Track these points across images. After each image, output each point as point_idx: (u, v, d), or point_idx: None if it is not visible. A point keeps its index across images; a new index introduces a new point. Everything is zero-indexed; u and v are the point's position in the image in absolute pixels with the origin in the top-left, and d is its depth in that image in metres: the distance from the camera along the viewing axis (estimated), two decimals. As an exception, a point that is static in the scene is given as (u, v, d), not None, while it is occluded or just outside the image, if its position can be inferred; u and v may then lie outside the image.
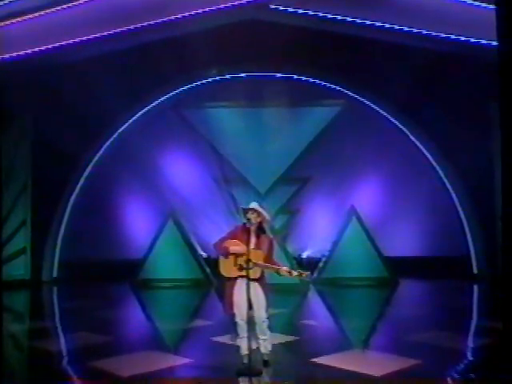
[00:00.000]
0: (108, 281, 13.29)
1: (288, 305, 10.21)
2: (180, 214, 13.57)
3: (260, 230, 5.81)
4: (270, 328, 5.95)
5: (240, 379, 5.56)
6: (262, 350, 5.93)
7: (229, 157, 14.83)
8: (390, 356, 6.47)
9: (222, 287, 5.88)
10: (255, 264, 5.59)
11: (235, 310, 5.74)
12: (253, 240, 5.75)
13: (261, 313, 5.78)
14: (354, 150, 13.96)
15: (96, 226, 13.52)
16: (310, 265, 13.52)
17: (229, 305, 5.76)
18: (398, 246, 13.85)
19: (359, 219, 13.09)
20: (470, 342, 7.23)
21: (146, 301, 11.66)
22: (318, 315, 9.51)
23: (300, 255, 14.49)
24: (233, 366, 5.85)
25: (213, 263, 12.71)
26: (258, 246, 5.74)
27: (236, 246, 5.68)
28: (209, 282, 13.02)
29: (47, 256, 14.12)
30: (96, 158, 14.46)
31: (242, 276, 5.65)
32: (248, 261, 5.57)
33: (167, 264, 13.04)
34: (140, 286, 12.93)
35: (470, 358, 6.41)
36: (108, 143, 14.52)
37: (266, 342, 5.92)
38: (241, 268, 5.63)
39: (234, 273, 5.72)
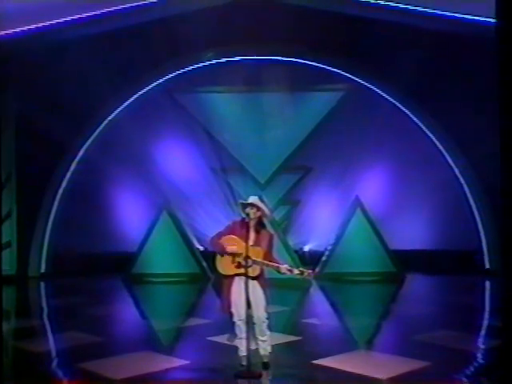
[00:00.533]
0: (99, 275, 13.43)
1: (289, 302, 10.22)
2: (175, 206, 13.62)
3: (260, 225, 5.82)
4: (270, 328, 5.97)
5: (238, 382, 5.59)
6: (262, 351, 5.94)
7: (226, 144, 14.88)
8: (397, 358, 6.47)
9: (220, 284, 5.92)
10: (254, 261, 5.61)
11: (233, 310, 5.77)
12: (252, 236, 5.76)
13: (260, 313, 5.79)
14: (359, 138, 13.92)
15: (86, 217, 13.45)
16: (312, 259, 13.80)
17: (226, 304, 5.79)
18: (405, 239, 13.86)
19: (364, 211, 13.08)
20: (482, 343, 7.22)
21: (140, 297, 11.68)
22: (321, 313, 9.53)
23: (301, 249, 14.58)
24: (231, 368, 5.87)
25: (210, 257, 13.19)
26: (257, 243, 5.75)
27: (233, 246, 5.69)
28: (205, 277, 13.06)
29: (34, 250, 14.13)
30: (85, 147, 14.43)
31: (239, 274, 5.68)
32: (247, 258, 5.59)
33: (161, 258, 13.08)
34: (133, 280, 12.95)
35: (482, 361, 6.39)
36: (98, 130, 14.49)
37: (266, 343, 5.94)
38: (239, 266, 5.65)
39: (232, 270, 5.73)
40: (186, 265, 13.19)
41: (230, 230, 5.81)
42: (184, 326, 8.52)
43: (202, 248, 14.10)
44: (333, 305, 10.71)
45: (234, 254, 5.65)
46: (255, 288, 5.74)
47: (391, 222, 13.66)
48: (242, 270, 5.63)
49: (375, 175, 14.19)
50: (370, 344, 7.43)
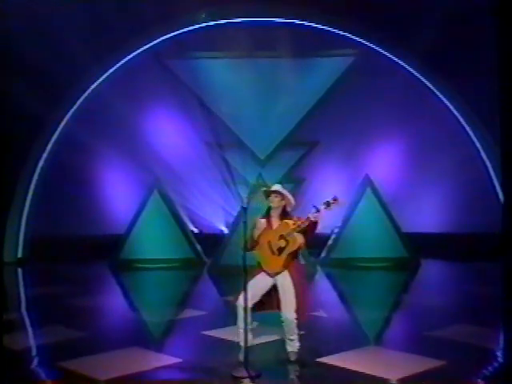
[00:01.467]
0: (83, 261, 13.47)
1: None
2: (166, 184, 13.71)
3: (284, 215, 6.00)
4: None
5: (235, 382, 5.60)
6: (289, 348, 6.16)
7: (223, 117, 14.94)
8: (409, 355, 6.48)
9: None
10: (291, 231, 5.78)
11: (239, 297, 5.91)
12: (276, 225, 5.98)
13: (288, 313, 5.96)
14: (370, 110, 13.89)
15: (68, 198, 13.55)
16: (317, 243, 13.33)
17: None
18: (420, 222, 13.92)
19: (375, 190, 13.13)
20: (504, 340, 7.19)
21: (128, 285, 11.74)
22: (326, 304, 9.41)
23: None
24: (228, 367, 5.91)
25: (205, 240, 13.79)
26: (281, 227, 5.95)
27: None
28: (200, 262, 13.18)
29: (10, 233, 14.21)
30: (65, 120, 14.44)
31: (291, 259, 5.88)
32: (280, 237, 5.81)
33: (152, 241, 13.16)
34: (120, 267, 13.02)
35: (503, 359, 6.37)
36: (78, 102, 14.47)
37: (294, 341, 6.13)
38: (280, 249, 5.83)
39: (281, 262, 5.92)
40: (178, 249, 13.27)
41: (258, 229, 6.00)
42: (177, 319, 8.57)
43: (196, 230, 14.22)
44: (339, 294, 10.75)
45: (268, 240, 5.87)
46: (285, 281, 5.92)
47: (404, 202, 13.71)
48: (286, 251, 5.85)
49: (387, 152, 14.21)
50: (379, 340, 7.46)
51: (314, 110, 14.74)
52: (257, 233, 5.98)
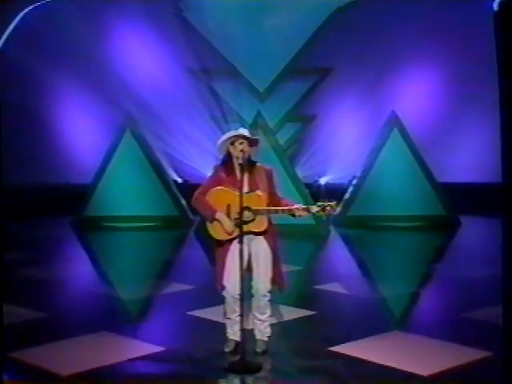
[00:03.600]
0: (40, 220, 13.61)
1: (299, 259, 10.17)
2: (141, 124, 13.84)
3: (251, 163, 5.98)
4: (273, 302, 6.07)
5: (231, 377, 5.65)
6: (258, 335, 6.11)
7: (211, 37, 14.72)
8: (443, 343, 6.45)
9: (213, 253, 6.09)
10: (256, 212, 5.76)
11: (225, 283, 5.94)
12: (245, 179, 5.93)
13: (261, 283, 5.94)
14: (397, 29, 13.86)
15: (20, 143, 13.55)
16: (330, 196, 13.28)
17: (220, 276, 5.97)
18: (459, 170, 13.88)
19: (403, 131, 13.15)
20: None
21: (95, 251, 12.01)
22: (341, 276, 9.44)
23: (317, 182, 14.92)
24: (219, 358, 5.94)
25: (191, 193, 13.63)
26: (253, 186, 5.93)
27: (222, 215, 5.82)
28: (186, 221, 13.28)
29: None
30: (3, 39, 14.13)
31: (243, 234, 5.74)
32: (245, 209, 5.69)
33: (125, 195, 13.28)
34: (86, 226, 13.12)
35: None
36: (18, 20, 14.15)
37: (264, 324, 6.09)
38: (240, 222, 5.72)
39: (231, 233, 5.85)
40: (158, 204, 13.43)
41: (215, 181, 5.96)
42: (156, 295, 8.57)
43: (180, 180, 14.32)
44: (358, 263, 10.75)
45: (227, 208, 5.82)
46: (260, 247, 5.93)
47: (440, 147, 13.72)
48: (244, 228, 5.73)
49: (419, 83, 14.11)
50: (406, 323, 7.47)
51: (325, 29, 14.60)
52: (212, 183, 5.96)
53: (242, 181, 5.75)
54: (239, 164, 5.82)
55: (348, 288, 8.79)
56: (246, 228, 5.71)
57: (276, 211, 5.82)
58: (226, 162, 5.94)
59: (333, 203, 5.81)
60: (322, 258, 11.46)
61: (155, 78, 14.64)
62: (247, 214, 5.72)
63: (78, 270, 10.41)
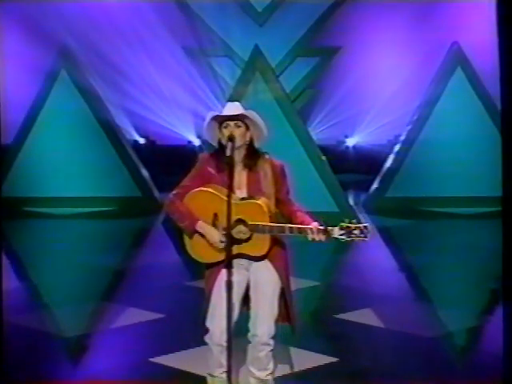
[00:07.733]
0: None
1: (314, 269, 8.83)
2: (84, 65, 12.69)
3: (252, 155, 5.19)
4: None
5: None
6: None
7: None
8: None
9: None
10: (254, 228, 5.00)
11: (208, 325, 5.20)
12: (241, 179, 5.25)
13: (261, 326, 5.20)
14: None
15: None
16: (360, 166, 13.42)
17: (204, 314, 5.33)
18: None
19: (468, 70, 11.99)
20: None
21: (12, 247, 10.40)
22: (378, 296, 8.00)
23: (343, 144, 14.19)
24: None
25: (160, 160, 13.25)
26: (254, 189, 5.19)
27: (206, 226, 5.05)
28: (150, 205, 12.09)
29: None
30: None
31: (231, 258, 5.11)
32: (237, 223, 5.00)
33: (58, 167, 12.16)
34: (4, 214, 11.13)
35: None
36: None
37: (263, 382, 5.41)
38: (227, 243, 5.18)
39: (215, 254, 5.19)
40: (109, 181, 12.21)
41: (199, 177, 5.21)
42: (98, 330, 7.12)
43: (142, 140, 13.75)
44: (406, 276, 9.21)
45: (214, 217, 5.15)
46: (262, 275, 5.22)
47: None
48: (236, 250, 5.18)
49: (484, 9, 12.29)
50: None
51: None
52: (195, 182, 5.18)
53: (231, 182, 5.01)
54: (225, 158, 5.13)
55: (388, 318, 7.26)
56: (237, 249, 5.06)
57: (281, 230, 4.99)
58: (218, 153, 5.19)
59: (362, 225, 4.70)
60: (349, 266, 9.81)
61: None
62: (240, 229, 5.01)
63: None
